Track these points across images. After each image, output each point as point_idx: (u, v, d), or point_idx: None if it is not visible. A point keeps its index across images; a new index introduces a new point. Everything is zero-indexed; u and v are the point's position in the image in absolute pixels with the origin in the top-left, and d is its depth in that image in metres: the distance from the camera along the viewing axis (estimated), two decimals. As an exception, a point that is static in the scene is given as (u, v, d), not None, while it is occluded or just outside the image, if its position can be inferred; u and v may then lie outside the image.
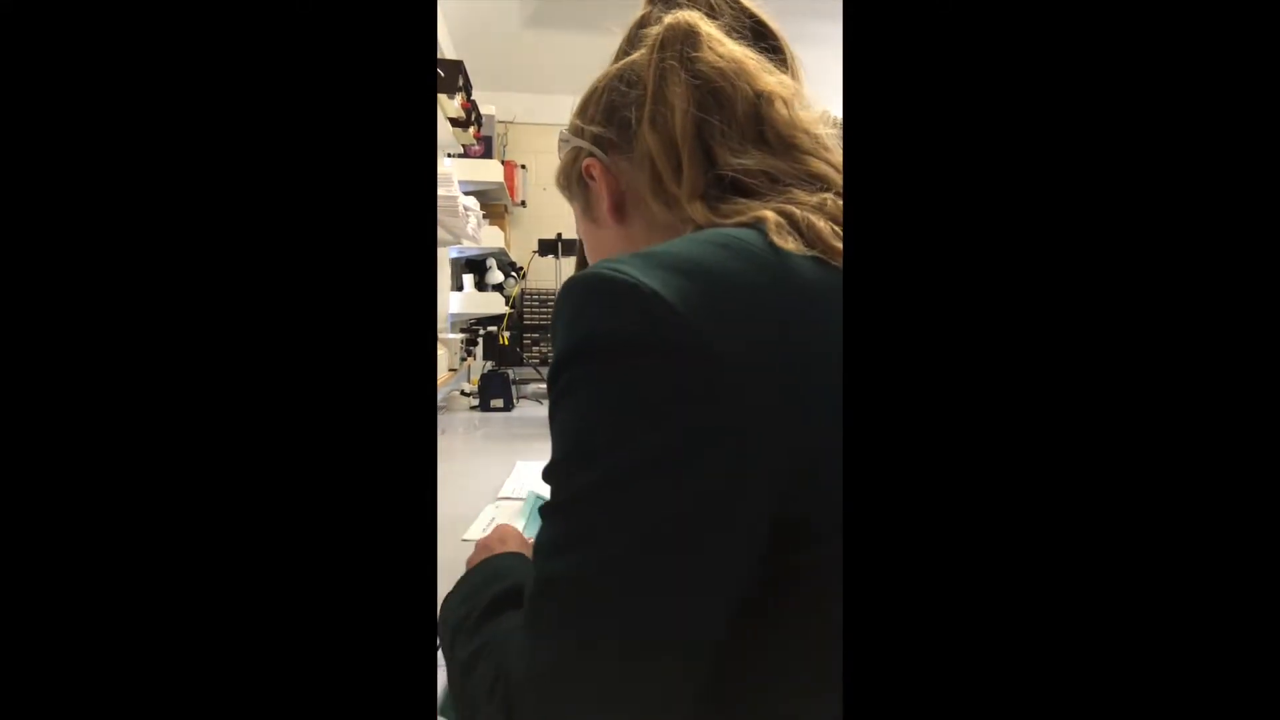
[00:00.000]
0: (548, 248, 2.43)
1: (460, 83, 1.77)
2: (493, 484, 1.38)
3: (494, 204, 3.21)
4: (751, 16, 0.77)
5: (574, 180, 0.58)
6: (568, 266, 2.99)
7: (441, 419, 2.15)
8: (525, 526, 0.82)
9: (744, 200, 0.47)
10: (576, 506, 0.38)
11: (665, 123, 0.51)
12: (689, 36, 0.53)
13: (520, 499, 1.27)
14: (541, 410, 2.39)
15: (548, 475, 0.41)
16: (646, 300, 0.37)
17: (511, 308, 2.84)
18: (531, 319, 3.54)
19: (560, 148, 0.60)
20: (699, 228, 0.47)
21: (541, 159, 3.68)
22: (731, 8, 0.79)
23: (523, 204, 3.55)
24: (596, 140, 0.56)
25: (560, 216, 3.66)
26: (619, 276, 0.38)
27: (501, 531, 0.72)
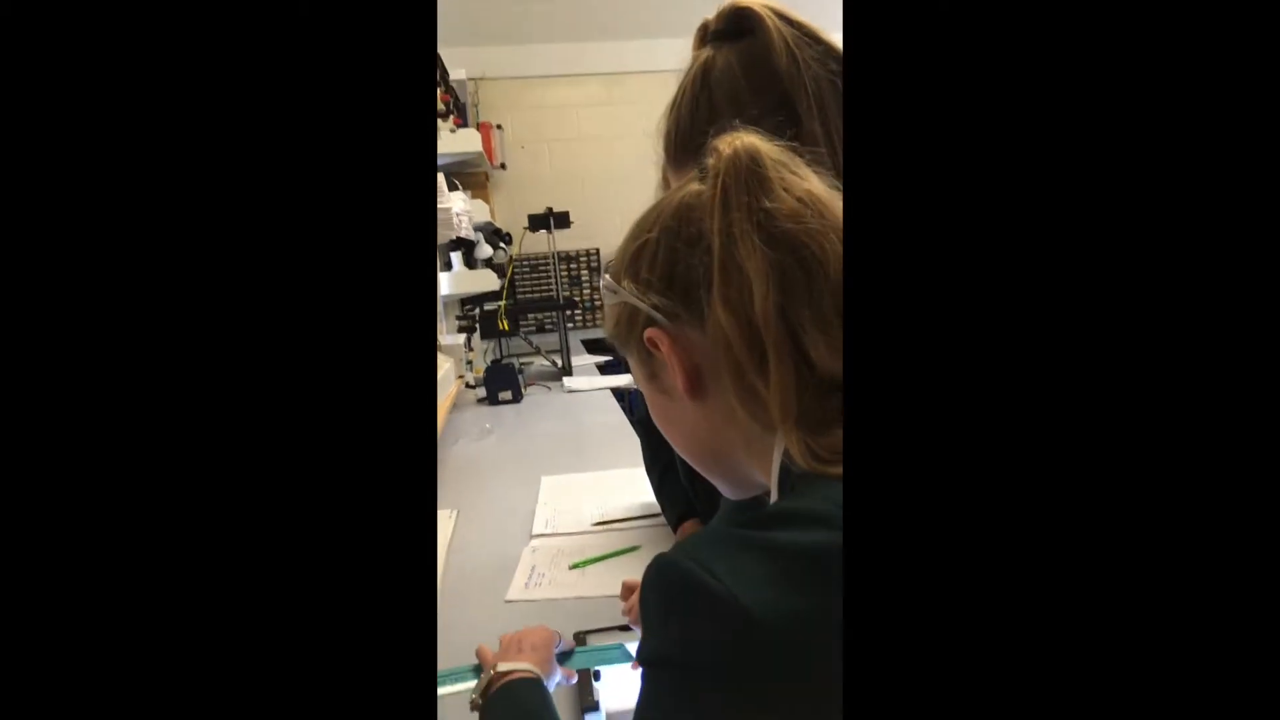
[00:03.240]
0: (539, 222, 2.33)
1: (437, 76, 1.65)
2: (521, 510, 1.34)
3: (474, 172, 3.08)
4: (837, 59, 0.67)
5: (632, 342, 0.49)
6: (560, 239, 2.87)
7: (453, 418, 2.10)
8: (579, 662, 0.83)
9: None
10: None
11: (740, 304, 0.42)
12: (755, 178, 0.43)
13: (557, 534, 1.24)
14: (550, 398, 2.34)
15: None
16: (739, 622, 0.35)
17: (503, 278, 2.75)
18: (524, 290, 3.45)
19: (605, 297, 0.51)
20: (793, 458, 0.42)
21: (516, 115, 3.50)
22: (812, 47, 0.67)
23: (502, 166, 3.42)
24: (657, 307, 0.46)
25: (541, 176, 3.52)
26: (713, 585, 0.36)
27: (521, 640, 0.73)
